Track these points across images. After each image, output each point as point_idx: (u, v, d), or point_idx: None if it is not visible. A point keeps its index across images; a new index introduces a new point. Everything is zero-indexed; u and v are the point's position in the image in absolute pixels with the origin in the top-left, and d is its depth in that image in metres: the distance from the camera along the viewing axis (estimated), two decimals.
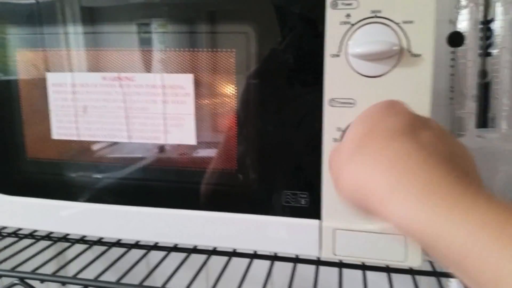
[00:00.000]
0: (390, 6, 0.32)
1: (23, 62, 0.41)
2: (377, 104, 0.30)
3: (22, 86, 0.41)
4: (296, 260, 0.41)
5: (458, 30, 0.50)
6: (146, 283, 0.37)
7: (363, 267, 0.40)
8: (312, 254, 0.37)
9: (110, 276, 0.38)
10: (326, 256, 0.36)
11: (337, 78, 0.33)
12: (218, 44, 0.36)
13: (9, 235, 0.49)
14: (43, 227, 0.44)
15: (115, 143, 0.40)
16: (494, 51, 0.49)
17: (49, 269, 0.40)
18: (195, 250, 0.43)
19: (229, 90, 0.36)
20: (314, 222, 0.36)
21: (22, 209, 0.43)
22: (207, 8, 0.36)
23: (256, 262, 0.42)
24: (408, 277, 0.39)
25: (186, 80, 0.37)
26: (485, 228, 0.17)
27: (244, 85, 0.36)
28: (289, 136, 0.35)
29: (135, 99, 0.38)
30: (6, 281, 0.38)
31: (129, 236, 0.42)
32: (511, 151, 0.40)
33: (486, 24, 0.50)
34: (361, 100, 0.33)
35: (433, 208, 0.19)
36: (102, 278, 0.38)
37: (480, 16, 0.49)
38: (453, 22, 0.51)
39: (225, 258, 0.42)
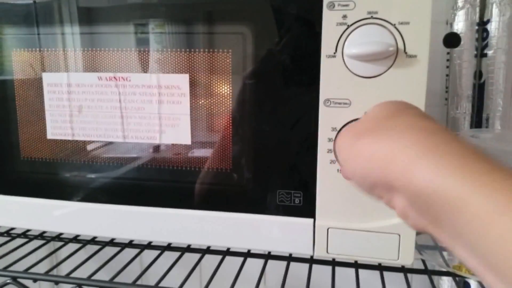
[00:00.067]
0: (387, 7, 0.32)
1: (19, 62, 0.41)
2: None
3: (18, 86, 0.41)
4: (289, 258, 0.41)
5: (454, 31, 0.50)
6: (139, 282, 0.37)
7: (356, 265, 0.40)
8: (306, 252, 0.37)
9: (104, 276, 0.38)
10: (319, 254, 0.37)
11: (333, 78, 0.33)
12: (214, 45, 0.36)
13: (2, 234, 0.49)
14: (37, 227, 0.44)
15: (109, 143, 0.40)
16: (489, 52, 0.50)
17: (42, 268, 0.40)
18: (188, 249, 0.43)
19: (225, 90, 0.36)
20: (308, 221, 0.36)
21: (16, 209, 0.43)
22: (204, 8, 0.36)
23: (250, 261, 0.42)
24: (400, 275, 0.39)
25: (182, 80, 0.37)
26: None
27: (240, 85, 0.36)
28: (284, 136, 0.36)
29: (130, 99, 0.38)
30: None
31: (122, 236, 0.42)
32: (505, 151, 0.40)
33: (482, 25, 0.50)
34: (357, 100, 0.33)
35: (464, 175, 0.18)
36: (95, 278, 0.38)
37: (476, 18, 0.50)
38: (450, 23, 0.51)
39: (219, 257, 0.42)
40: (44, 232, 0.48)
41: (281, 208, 0.37)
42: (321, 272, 0.41)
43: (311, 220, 0.36)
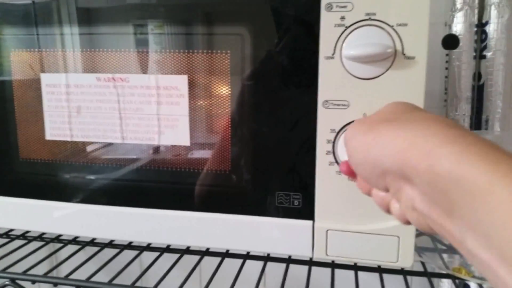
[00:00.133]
0: (385, 9, 0.32)
1: (17, 62, 0.41)
2: None
3: (16, 87, 0.41)
4: (288, 260, 0.41)
5: (453, 32, 0.50)
6: (139, 284, 0.37)
7: (355, 268, 0.40)
8: (305, 254, 0.37)
9: (103, 277, 0.38)
10: (318, 256, 0.37)
11: (331, 80, 0.33)
12: (213, 46, 0.36)
13: (1, 236, 0.49)
14: (36, 228, 0.44)
15: (108, 144, 0.40)
16: (488, 53, 0.50)
17: (41, 270, 0.40)
18: (188, 251, 0.43)
19: (224, 91, 0.36)
20: (307, 223, 0.36)
21: (15, 210, 0.43)
22: (203, 9, 0.36)
23: (250, 262, 0.42)
24: (399, 278, 0.39)
25: (181, 81, 0.37)
26: None
27: (239, 86, 0.36)
28: (283, 138, 0.35)
29: (129, 100, 0.38)
30: None
31: (121, 237, 0.42)
32: None
33: (480, 27, 0.50)
34: (355, 102, 0.33)
35: (488, 164, 0.18)
36: (94, 279, 0.38)
37: (475, 19, 0.50)
38: (448, 24, 0.51)
39: (218, 259, 0.42)
40: (43, 233, 0.48)
41: (280, 210, 0.37)
42: (321, 274, 0.41)
43: (310, 222, 0.36)
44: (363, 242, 0.35)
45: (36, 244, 0.47)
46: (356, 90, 0.33)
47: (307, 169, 0.35)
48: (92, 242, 0.47)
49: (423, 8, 0.31)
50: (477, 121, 0.51)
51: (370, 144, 0.24)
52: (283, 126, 0.35)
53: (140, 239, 0.41)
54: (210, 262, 0.41)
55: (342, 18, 0.32)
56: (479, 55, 0.50)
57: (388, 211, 0.26)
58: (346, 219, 0.35)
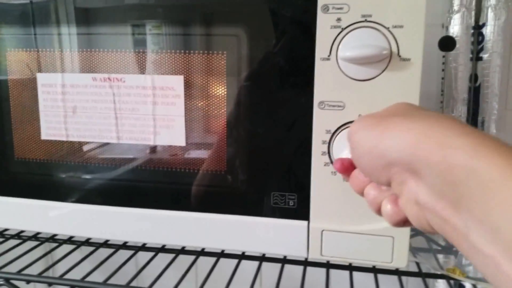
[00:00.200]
0: (381, 10, 0.32)
1: (14, 62, 0.41)
2: None
3: (12, 86, 0.41)
4: (284, 261, 0.41)
5: (450, 34, 0.50)
6: (134, 284, 0.37)
7: (350, 268, 0.40)
8: (300, 254, 0.37)
9: (99, 276, 0.38)
10: (313, 256, 0.37)
11: (327, 81, 0.34)
12: (209, 46, 0.36)
13: None
14: (31, 228, 0.44)
15: (104, 144, 0.40)
16: (485, 55, 0.50)
17: (36, 269, 0.40)
18: (183, 251, 0.43)
19: (220, 92, 0.36)
20: (302, 223, 0.36)
21: (10, 209, 0.43)
22: (199, 10, 0.36)
23: (246, 262, 0.42)
24: (394, 278, 0.39)
25: (177, 82, 0.37)
26: None
27: (235, 87, 0.36)
28: (278, 138, 0.36)
29: (125, 100, 0.38)
30: None
31: (117, 237, 0.42)
32: None
33: (477, 29, 0.50)
34: (351, 103, 0.33)
35: (501, 158, 0.18)
36: (90, 279, 0.38)
37: (472, 21, 0.50)
38: (445, 26, 0.51)
39: (214, 259, 0.42)
40: (38, 233, 0.48)
41: (275, 210, 0.37)
42: (316, 274, 0.41)
43: (305, 222, 0.36)
44: (358, 242, 0.35)
45: (31, 244, 0.47)
46: (352, 92, 0.33)
47: (303, 170, 0.35)
48: (87, 242, 0.46)
49: (419, 10, 0.32)
50: (473, 123, 0.51)
51: (380, 136, 0.23)
52: (279, 127, 0.35)
53: (136, 239, 0.41)
54: (206, 262, 0.41)
55: (338, 19, 0.32)
56: (476, 57, 0.50)
57: (378, 211, 0.26)
58: (341, 219, 0.35)
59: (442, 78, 0.52)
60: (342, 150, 0.33)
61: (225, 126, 0.37)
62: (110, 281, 0.37)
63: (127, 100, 0.38)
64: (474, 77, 0.51)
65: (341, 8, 0.32)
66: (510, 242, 0.17)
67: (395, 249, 0.35)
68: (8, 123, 0.42)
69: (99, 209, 0.40)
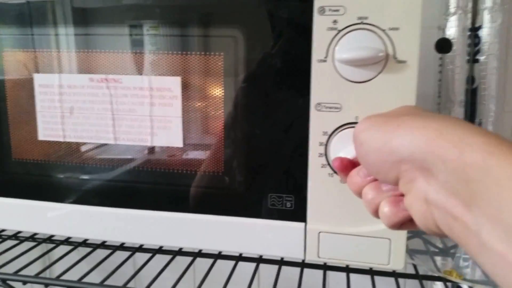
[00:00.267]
0: (377, 13, 0.32)
1: (10, 62, 0.41)
2: None
3: (9, 87, 0.41)
4: (281, 262, 0.41)
5: (446, 36, 0.50)
6: (132, 285, 0.37)
7: (347, 270, 0.40)
8: (297, 256, 0.37)
9: (96, 278, 0.38)
10: (310, 258, 0.37)
11: (324, 83, 0.34)
12: (206, 48, 0.36)
13: None
14: (28, 228, 0.44)
15: (101, 145, 0.40)
16: (481, 57, 0.50)
17: (33, 270, 0.40)
18: (180, 253, 0.43)
19: (217, 93, 0.36)
20: (299, 225, 0.36)
21: (7, 210, 0.43)
22: (197, 11, 0.36)
23: (242, 264, 0.42)
24: (391, 280, 0.39)
25: (174, 83, 0.37)
26: None
27: (232, 88, 0.36)
28: (276, 140, 0.36)
29: (122, 101, 0.38)
30: None
31: (114, 238, 0.42)
32: None
33: (474, 31, 0.50)
34: (347, 105, 0.34)
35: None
36: (87, 280, 0.38)
37: (468, 23, 0.50)
38: (442, 28, 0.51)
39: (212, 260, 0.42)
40: (36, 234, 0.48)
41: (272, 212, 0.37)
42: (313, 276, 0.41)
43: (303, 224, 0.36)
44: (355, 244, 0.36)
45: (28, 245, 0.47)
46: (348, 93, 0.33)
47: (300, 171, 0.35)
48: (84, 243, 0.46)
49: (415, 13, 0.32)
50: None
51: (392, 133, 0.23)
52: (276, 128, 0.35)
53: (133, 240, 0.41)
54: (204, 263, 0.41)
55: (335, 21, 0.32)
56: (473, 59, 0.50)
57: (375, 212, 0.26)
58: (338, 221, 0.36)
59: (439, 80, 0.53)
60: (339, 151, 0.33)
61: (223, 127, 0.37)
62: (107, 282, 0.37)
63: (124, 101, 0.38)
64: (471, 79, 0.51)
65: (337, 10, 0.32)
66: None
67: (392, 251, 0.35)
68: (5, 124, 0.42)
69: (97, 210, 0.40)
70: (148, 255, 0.43)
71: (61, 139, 0.40)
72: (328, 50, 0.33)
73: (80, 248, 0.46)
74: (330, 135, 0.34)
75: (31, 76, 0.40)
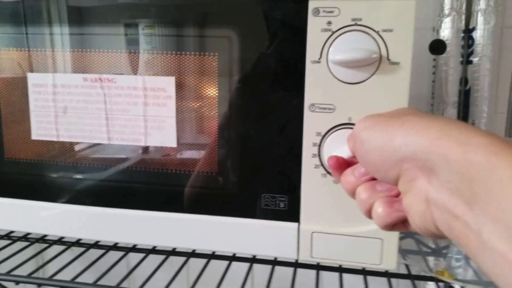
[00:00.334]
0: (371, 14, 0.32)
1: (4, 61, 0.40)
2: None
3: (2, 86, 0.41)
4: (274, 262, 0.42)
5: (440, 38, 0.51)
6: (125, 285, 0.37)
7: (340, 270, 0.40)
8: (290, 256, 0.37)
9: (89, 277, 0.38)
10: (303, 258, 0.37)
11: (318, 84, 0.34)
12: (201, 48, 0.36)
13: None
14: (21, 228, 0.44)
15: (95, 144, 0.40)
16: (475, 59, 0.50)
17: (26, 270, 0.40)
18: (173, 253, 0.43)
19: (211, 93, 0.36)
20: (292, 225, 0.36)
21: None
22: (192, 11, 0.36)
23: (236, 263, 0.42)
24: (384, 280, 0.40)
25: (168, 83, 0.37)
26: None
27: (226, 89, 0.36)
28: (269, 140, 0.36)
29: (115, 100, 0.38)
30: None
31: (108, 238, 0.41)
32: None
33: (467, 32, 0.50)
34: (341, 105, 0.34)
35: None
36: (80, 279, 0.38)
37: (462, 25, 0.50)
38: (436, 30, 0.51)
39: (205, 260, 0.42)
40: (28, 233, 0.48)
41: (266, 212, 0.37)
42: (306, 276, 0.41)
43: (296, 224, 0.36)
44: (348, 244, 0.36)
45: (21, 244, 0.46)
46: (342, 94, 0.33)
47: (293, 172, 0.36)
48: (77, 243, 0.46)
49: (408, 15, 0.32)
50: None
51: (394, 132, 0.23)
52: (270, 129, 0.36)
53: (126, 240, 0.41)
54: (197, 263, 0.41)
55: (329, 23, 0.33)
56: (466, 61, 0.51)
57: (368, 212, 0.26)
58: (331, 221, 0.36)
59: (433, 81, 0.53)
60: (332, 152, 0.33)
61: (217, 127, 0.37)
62: (101, 282, 0.37)
63: (118, 100, 0.38)
64: (464, 81, 0.51)
65: (331, 12, 0.32)
66: None
67: (384, 251, 0.35)
68: None
69: (90, 210, 0.40)
70: (142, 255, 0.43)
71: (54, 139, 0.40)
72: (322, 51, 0.33)
73: (73, 248, 0.46)
74: (324, 136, 0.34)
75: (25, 75, 0.40)
